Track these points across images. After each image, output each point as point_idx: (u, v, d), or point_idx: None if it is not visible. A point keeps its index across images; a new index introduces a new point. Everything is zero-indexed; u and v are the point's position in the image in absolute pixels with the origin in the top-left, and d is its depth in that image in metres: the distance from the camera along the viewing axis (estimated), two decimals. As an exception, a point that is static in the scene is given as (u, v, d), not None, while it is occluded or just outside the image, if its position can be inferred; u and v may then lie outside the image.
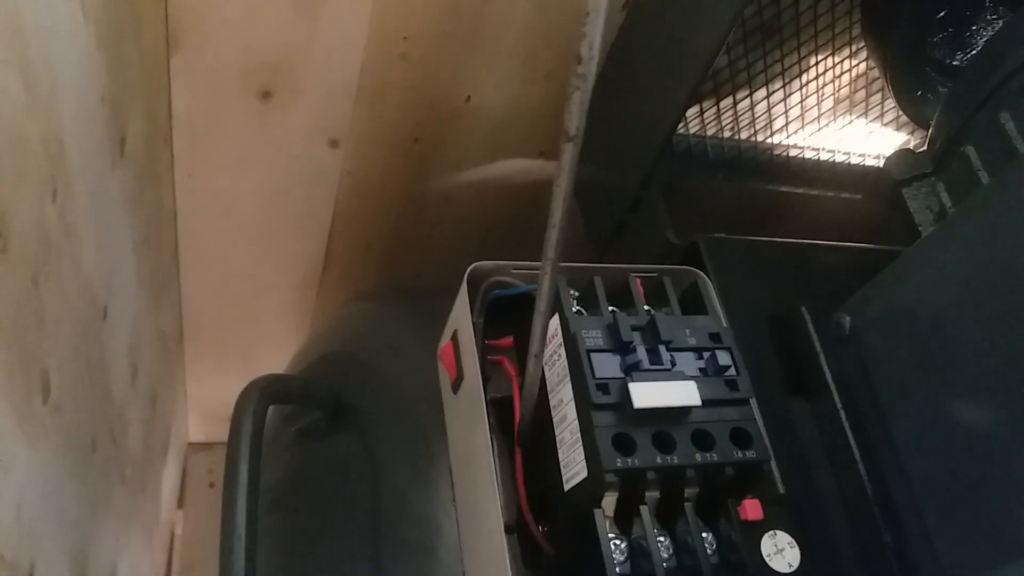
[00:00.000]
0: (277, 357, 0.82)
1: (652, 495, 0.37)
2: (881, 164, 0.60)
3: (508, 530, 0.41)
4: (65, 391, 0.48)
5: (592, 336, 0.37)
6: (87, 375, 0.53)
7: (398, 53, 0.66)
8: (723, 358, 0.38)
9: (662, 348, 0.37)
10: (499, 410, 0.44)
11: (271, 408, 0.62)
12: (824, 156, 0.79)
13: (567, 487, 0.37)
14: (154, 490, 0.88)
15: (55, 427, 0.47)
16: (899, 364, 0.39)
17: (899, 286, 0.40)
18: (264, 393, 0.48)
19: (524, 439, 0.40)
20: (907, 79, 0.60)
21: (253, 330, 0.95)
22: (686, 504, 0.36)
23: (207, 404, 1.06)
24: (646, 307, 0.41)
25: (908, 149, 0.52)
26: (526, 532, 0.40)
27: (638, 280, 0.42)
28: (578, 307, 0.41)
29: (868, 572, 0.42)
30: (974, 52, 0.59)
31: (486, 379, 0.44)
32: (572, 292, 0.42)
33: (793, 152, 0.77)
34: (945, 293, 0.38)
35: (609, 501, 0.36)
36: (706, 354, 0.38)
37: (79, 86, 0.44)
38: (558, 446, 0.38)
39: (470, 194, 0.82)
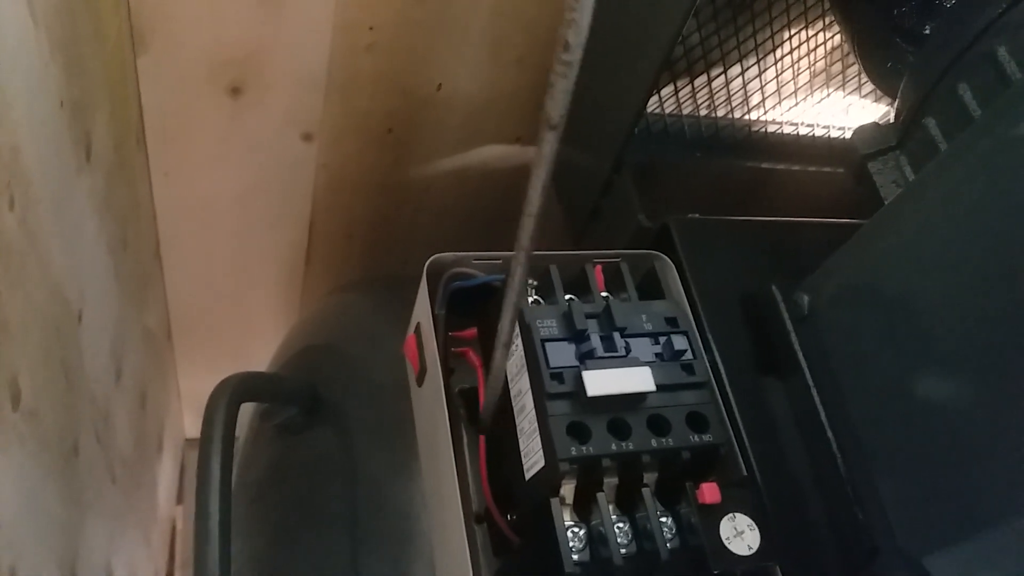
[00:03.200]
0: (267, 351, 0.82)
1: (612, 481, 0.37)
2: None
3: (478, 520, 0.42)
4: (40, 396, 0.48)
5: (547, 326, 0.37)
6: (63, 379, 0.53)
7: (365, 44, 0.66)
8: (679, 342, 0.38)
9: (616, 335, 0.37)
10: (467, 400, 0.44)
11: (253, 405, 0.63)
12: (803, 131, 0.78)
13: (528, 476, 0.37)
14: (149, 487, 0.88)
15: (30, 432, 0.47)
16: (857, 340, 0.39)
17: (855, 262, 0.40)
18: (236, 391, 0.49)
19: (485, 428, 0.40)
20: (877, 51, 0.59)
21: (242, 325, 0.96)
22: (644, 489, 0.36)
23: (201, 400, 1.07)
24: (604, 293, 0.41)
25: (874, 123, 0.51)
26: (495, 521, 0.41)
27: (597, 267, 0.42)
28: (537, 296, 0.41)
29: (841, 551, 0.43)
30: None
31: (451, 371, 0.44)
32: (531, 282, 0.42)
33: (771, 128, 0.77)
34: (901, 266, 0.38)
35: (568, 489, 0.36)
36: (662, 339, 0.38)
37: (33, 92, 0.44)
38: (519, 435, 0.38)
39: (449, 182, 0.82)
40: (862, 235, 0.40)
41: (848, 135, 0.78)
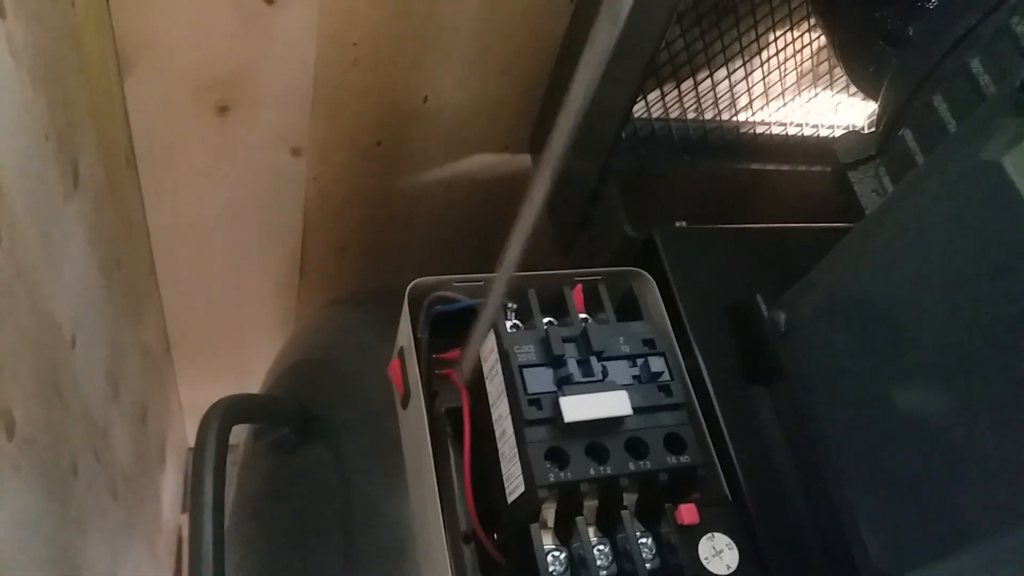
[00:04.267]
0: (264, 362, 0.83)
1: (592, 504, 0.37)
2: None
3: (466, 539, 0.42)
4: (35, 424, 0.49)
5: (525, 351, 0.38)
6: (59, 404, 0.54)
7: (350, 59, 0.66)
8: (656, 364, 0.38)
9: (594, 359, 0.37)
10: (455, 420, 0.44)
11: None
12: (792, 131, 0.78)
13: (509, 500, 0.38)
14: (153, 500, 0.90)
15: (27, 460, 0.48)
16: (832, 356, 0.40)
17: (830, 278, 0.40)
18: (227, 414, 0.49)
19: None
20: (859, 55, 0.59)
21: (238, 337, 0.96)
22: (624, 511, 0.37)
23: (203, 410, 1.08)
24: (583, 315, 0.41)
25: (856, 131, 0.51)
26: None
27: (576, 288, 0.42)
28: (516, 320, 0.42)
29: (827, 567, 0.43)
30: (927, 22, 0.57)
31: (435, 393, 0.44)
32: (511, 305, 0.42)
33: (760, 129, 0.77)
34: (875, 282, 0.38)
35: (549, 512, 0.37)
36: (639, 361, 0.38)
37: (16, 130, 0.45)
38: (500, 459, 0.39)
39: (439, 192, 0.82)
40: (837, 252, 0.40)
41: (838, 133, 0.78)
